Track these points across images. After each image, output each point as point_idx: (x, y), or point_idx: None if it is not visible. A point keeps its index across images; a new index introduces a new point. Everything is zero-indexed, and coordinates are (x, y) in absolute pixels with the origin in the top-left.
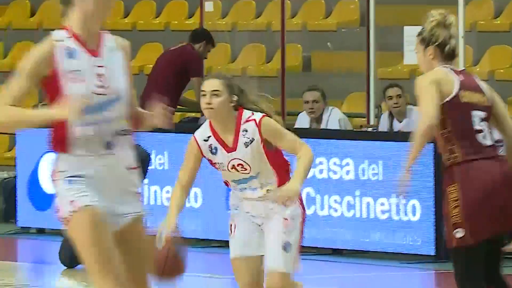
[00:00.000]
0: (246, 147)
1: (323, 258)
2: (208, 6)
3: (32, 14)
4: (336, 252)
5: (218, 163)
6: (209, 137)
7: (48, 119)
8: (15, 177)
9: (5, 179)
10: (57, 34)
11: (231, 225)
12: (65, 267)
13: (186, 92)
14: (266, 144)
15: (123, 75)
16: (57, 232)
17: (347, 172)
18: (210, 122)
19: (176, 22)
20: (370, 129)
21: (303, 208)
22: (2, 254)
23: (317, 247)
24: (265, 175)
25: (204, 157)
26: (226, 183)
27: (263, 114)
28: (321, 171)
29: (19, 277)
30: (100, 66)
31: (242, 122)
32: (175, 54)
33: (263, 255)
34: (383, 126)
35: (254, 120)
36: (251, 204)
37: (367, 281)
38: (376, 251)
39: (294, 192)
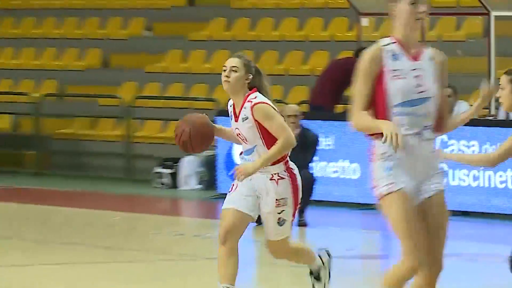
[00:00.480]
0: (243, 121)
1: (455, 218)
2: (364, 22)
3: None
4: (465, 214)
5: (233, 128)
6: (231, 105)
7: (378, 130)
8: (215, 154)
9: (208, 156)
10: (384, 40)
11: (233, 185)
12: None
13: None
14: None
15: (434, 82)
16: None
17: (473, 151)
18: None
19: (339, 34)
20: (491, 118)
21: (294, 190)
22: (206, 213)
23: (450, 210)
24: (260, 151)
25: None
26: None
27: (261, 101)
28: (452, 151)
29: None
30: (417, 69)
31: (245, 101)
32: (341, 63)
33: (250, 216)
34: (501, 116)
35: (251, 102)
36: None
37: (488, 236)
38: (496, 213)
39: (248, 170)
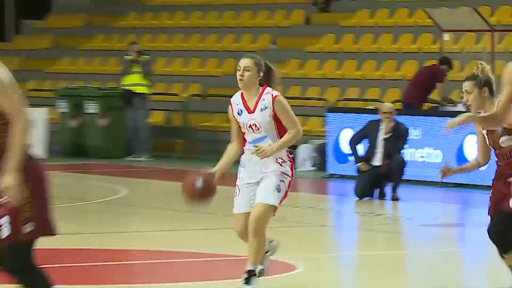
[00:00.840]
0: (261, 111)
1: None
2: (446, 37)
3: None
4: None
5: (241, 122)
6: (239, 102)
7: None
8: (325, 143)
9: (319, 144)
10: None
11: (237, 186)
12: (357, 198)
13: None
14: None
15: None
16: (351, 177)
17: None
18: (242, 92)
19: (425, 47)
20: None
21: (291, 175)
22: (319, 190)
23: None
24: (270, 139)
25: (234, 117)
26: (243, 144)
27: (279, 94)
28: None
29: (329, 204)
30: None
31: (263, 94)
32: (427, 70)
33: None
34: None
35: (272, 94)
36: (256, 160)
37: None
38: None
39: (269, 151)
